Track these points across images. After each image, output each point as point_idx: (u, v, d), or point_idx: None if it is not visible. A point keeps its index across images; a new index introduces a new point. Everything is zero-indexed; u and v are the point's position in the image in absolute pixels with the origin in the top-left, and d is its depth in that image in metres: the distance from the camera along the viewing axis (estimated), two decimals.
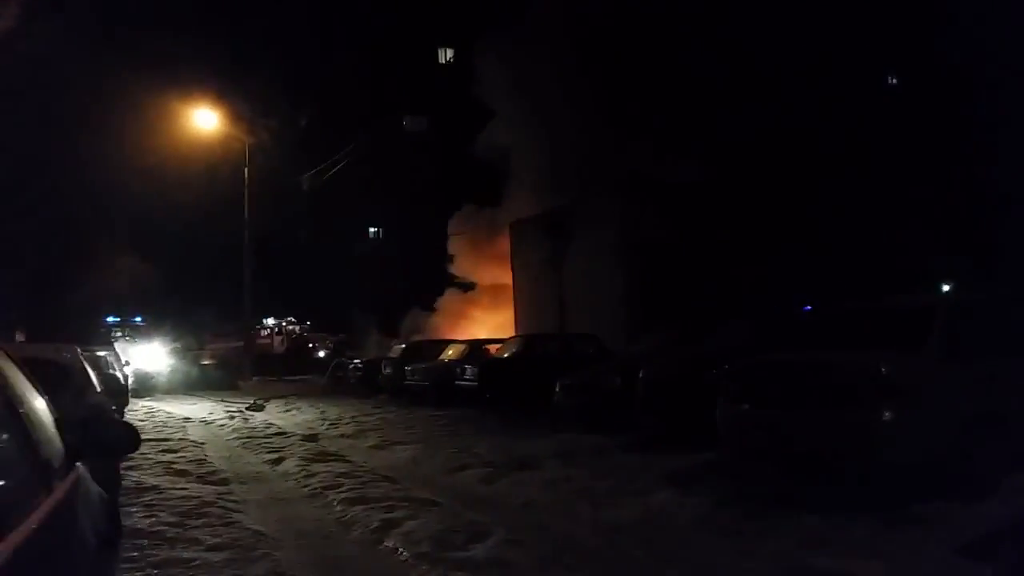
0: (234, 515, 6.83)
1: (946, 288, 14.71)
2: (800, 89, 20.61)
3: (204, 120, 29.50)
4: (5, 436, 1.96)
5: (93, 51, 30.94)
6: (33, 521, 1.71)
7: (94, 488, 3.17)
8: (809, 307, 9.83)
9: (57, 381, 5.60)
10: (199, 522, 6.49)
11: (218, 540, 5.81)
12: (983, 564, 4.36)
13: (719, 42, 20.55)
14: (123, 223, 34.64)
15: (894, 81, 29.49)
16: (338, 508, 6.99)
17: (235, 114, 30.37)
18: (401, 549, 5.46)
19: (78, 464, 2.96)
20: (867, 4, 20.89)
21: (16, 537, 1.53)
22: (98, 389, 6.68)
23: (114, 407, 7.78)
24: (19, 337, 26.06)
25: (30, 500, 1.86)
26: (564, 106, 23.45)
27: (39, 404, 2.62)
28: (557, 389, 11.99)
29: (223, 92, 30.28)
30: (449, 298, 28.84)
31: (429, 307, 29.88)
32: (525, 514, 6.57)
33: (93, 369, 15.06)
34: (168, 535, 5.98)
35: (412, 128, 43.10)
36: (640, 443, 9.11)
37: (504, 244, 25.16)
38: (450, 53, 43.85)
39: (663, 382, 8.83)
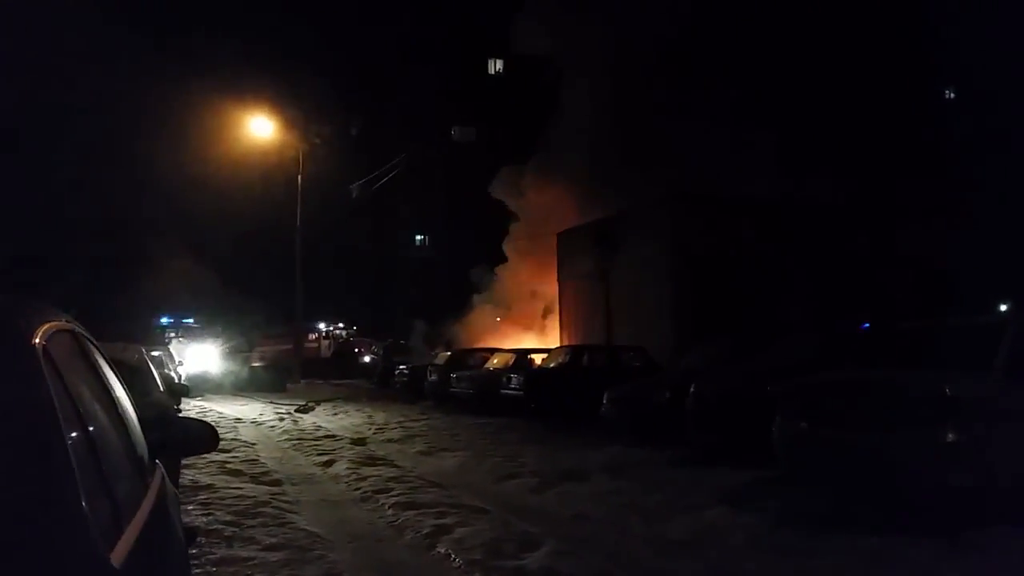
0: (288, 515, 6.95)
1: (1004, 307, 14.30)
2: (857, 101, 20.26)
3: (260, 127, 30.19)
4: (114, 435, 2.04)
5: (155, 56, 31.98)
6: (140, 518, 1.78)
7: (171, 486, 3.28)
8: (867, 324, 9.63)
9: (126, 380, 5.79)
10: (255, 521, 6.63)
11: (274, 540, 5.92)
12: None
13: (774, 59, 20.35)
14: (179, 226, 35.61)
15: (951, 95, 28.84)
16: (390, 512, 7.07)
17: (289, 121, 31.06)
18: (453, 555, 5.50)
19: (157, 462, 3.07)
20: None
21: (130, 534, 1.60)
22: (160, 388, 6.87)
23: (176, 405, 7.99)
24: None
25: (138, 498, 1.93)
26: (617, 115, 23.42)
27: (127, 402, 2.73)
28: (604, 401, 11.94)
29: (278, 99, 31.02)
30: (492, 307, 28.95)
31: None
32: (575, 526, 6.56)
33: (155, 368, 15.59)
34: (225, 534, 6.11)
35: (461, 138, 43.49)
36: (690, 458, 9.02)
37: (551, 254, 25.19)
38: (500, 64, 44.18)
39: (716, 397, 8.73)
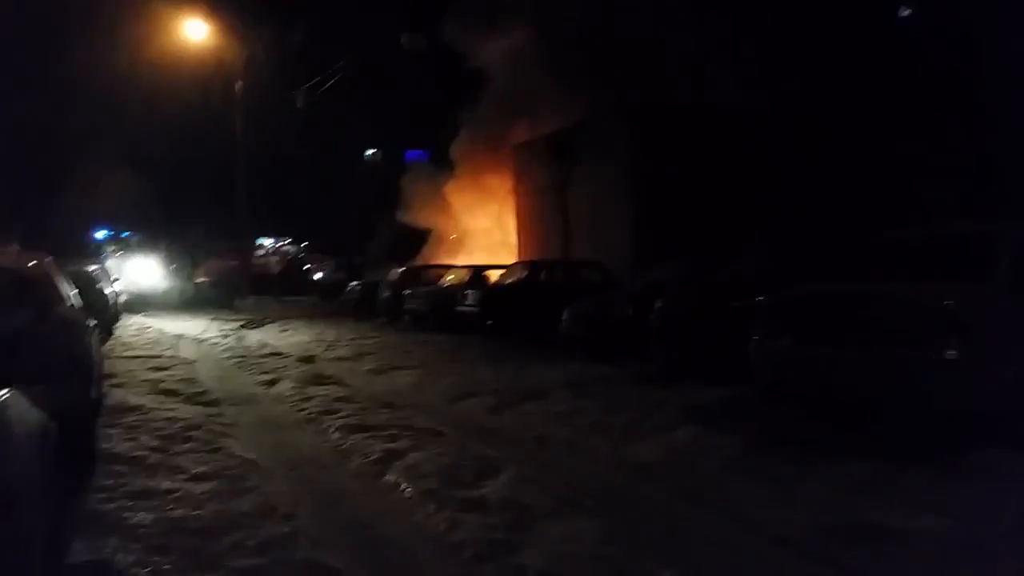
0: (223, 440, 6.35)
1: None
2: (818, 15, 19.41)
3: (196, 31, 28.13)
4: None
5: None
6: None
7: (29, 416, 2.62)
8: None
9: (17, 292, 5.00)
10: (184, 447, 6.01)
11: (203, 468, 5.32)
12: None
13: None
14: (115, 136, 33.53)
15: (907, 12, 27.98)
16: (335, 436, 6.51)
17: (228, 25, 29.00)
18: (404, 485, 4.98)
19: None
20: None
21: None
22: (69, 303, 6.07)
23: (95, 322, 7.20)
24: (14, 248, 25.41)
25: None
26: (573, 23, 22.23)
27: None
28: (564, 317, 11.47)
29: (216, 1, 28.85)
30: (442, 224, 28.07)
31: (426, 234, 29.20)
32: (537, 449, 6.10)
33: (74, 282, 14.56)
34: (149, 461, 5.49)
35: (411, 46, 41.47)
36: (655, 375, 8.62)
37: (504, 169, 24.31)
38: None
39: (682, 312, 8.28)
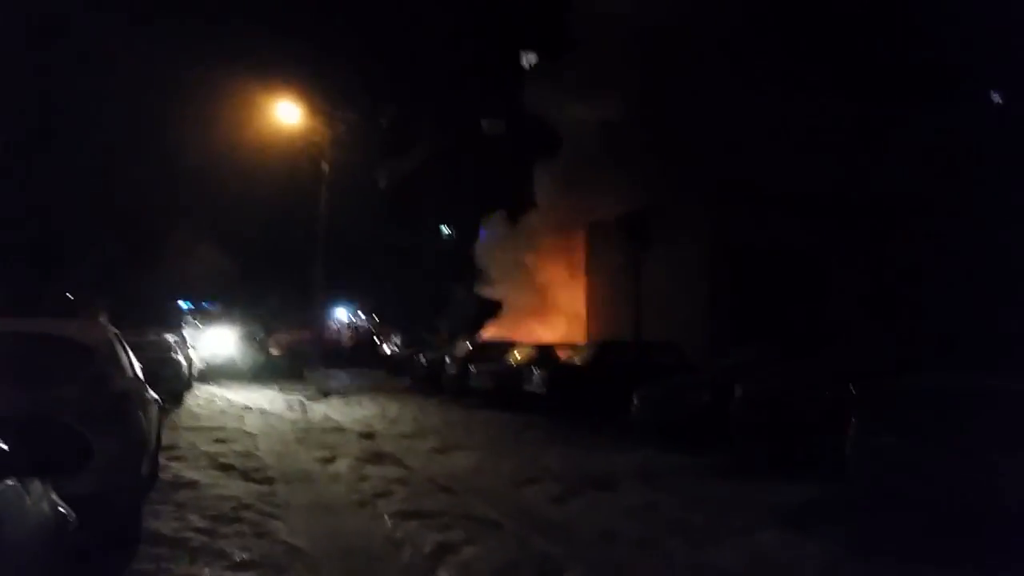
0: (272, 523, 6.02)
1: None
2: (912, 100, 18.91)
3: (286, 112, 29.37)
4: None
5: (181, 42, 31.42)
6: None
7: (37, 511, 2.34)
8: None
9: (75, 363, 4.88)
10: (230, 529, 5.70)
11: (246, 555, 4.99)
12: None
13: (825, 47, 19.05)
14: (203, 212, 35.04)
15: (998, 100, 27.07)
16: (388, 523, 6.10)
17: (316, 108, 30.23)
18: None
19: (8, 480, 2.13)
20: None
21: None
22: (129, 374, 5.94)
23: (154, 396, 7.06)
24: (102, 318, 26.46)
25: None
26: (650, 103, 22.24)
27: None
28: (635, 400, 10.90)
29: (305, 85, 30.20)
30: (516, 298, 27.88)
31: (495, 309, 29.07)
32: (605, 549, 5.54)
33: (151, 351, 14.77)
34: (192, 544, 5.19)
35: (490, 131, 42.48)
36: (734, 468, 7.96)
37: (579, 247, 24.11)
38: (533, 57, 43.04)
39: (767, 401, 7.67)
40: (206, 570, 4.65)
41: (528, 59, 43.86)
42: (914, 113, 18.90)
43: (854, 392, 7.11)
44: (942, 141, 17.37)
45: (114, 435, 4.75)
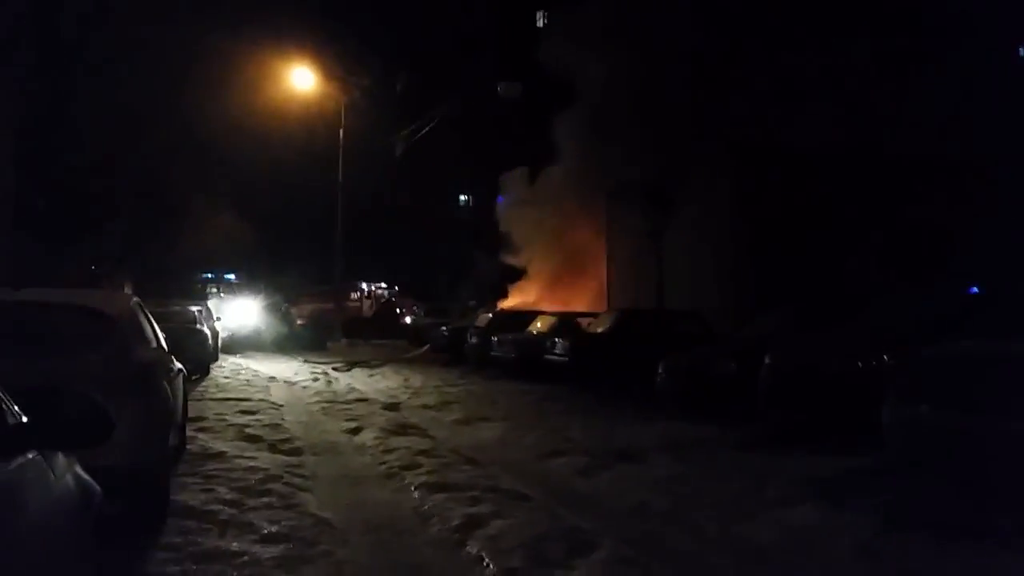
0: (300, 495, 6.02)
1: None
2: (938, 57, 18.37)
3: (301, 79, 29.14)
4: None
5: (193, 8, 31.17)
6: None
7: (61, 486, 2.28)
8: (975, 289, 8.28)
9: (97, 333, 4.84)
10: (259, 502, 5.70)
11: (275, 528, 4.97)
12: None
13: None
14: (220, 180, 35.02)
15: None
16: (415, 495, 6.08)
17: (331, 73, 29.96)
18: (487, 560, 4.47)
19: (28, 453, 2.07)
20: None
21: None
22: (154, 345, 5.91)
23: (180, 367, 7.05)
24: (127, 289, 26.66)
25: None
26: (669, 61, 21.76)
27: None
28: (660, 370, 10.78)
29: (320, 51, 29.92)
30: (540, 264, 27.68)
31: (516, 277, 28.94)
32: (636, 521, 5.48)
33: (176, 322, 14.85)
34: (221, 517, 5.19)
35: (507, 93, 41.88)
36: (763, 439, 7.85)
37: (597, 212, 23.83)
38: (548, 17, 42.35)
39: (796, 370, 7.53)
40: (235, 543, 4.63)
41: (544, 20, 43.18)
42: (938, 65, 18.38)
43: (887, 360, 6.98)
44: (968, 93, 16.91)
45: (139, 406, 4.73)
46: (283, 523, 5.11)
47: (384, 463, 7.37)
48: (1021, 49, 26.39)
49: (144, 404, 4.77)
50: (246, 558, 4.36)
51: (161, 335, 6.70)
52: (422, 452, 7.76)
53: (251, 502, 5.67)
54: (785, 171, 16.18)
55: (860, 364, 6.76)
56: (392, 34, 38.65)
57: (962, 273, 10.92)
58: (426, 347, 23.94)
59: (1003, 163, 15.23)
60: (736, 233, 16.75)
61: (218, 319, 22.92)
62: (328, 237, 30.49)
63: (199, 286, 33.41)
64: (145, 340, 5.64)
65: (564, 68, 25.42)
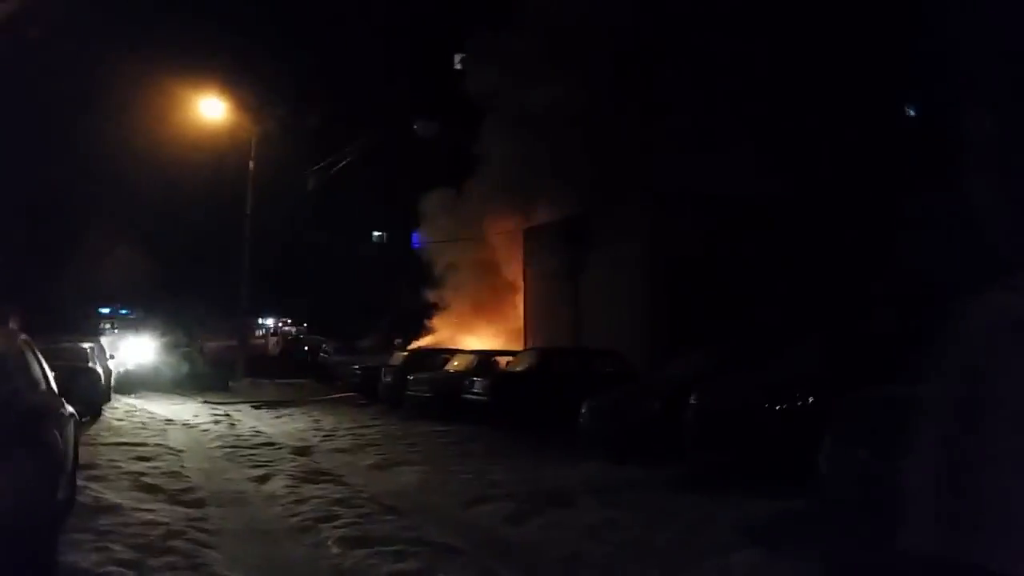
0: (205, 553, 5.48)
1: None
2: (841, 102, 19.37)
3: (209, 109, 28.15)
4: None
5: (96, 34, 29.80)
6: None
7: None
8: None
9: None
10: (160, 561, 5.15)
11: None
12: None
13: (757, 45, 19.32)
14: (120, 210, 33.31)
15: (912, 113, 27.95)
16: (334, 550, 5.63)
17: (242, 104, 29.10)
18: None
19: None
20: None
21: None
22: (43, 387, 5.31)
23: (71, 410, 6.40)
24: (12, 324, 24.71)
25: None
26: (583, 104, 22.13)
27: None
28: (583, 410, 10.65)
29: (231, 81, 29.05)
30: (455, 305, 27.42)
31: (431, 314, 28.53)
32: (571, 575, 5.21)
33: (66, 360, 13.76)
34: None
35: (424, 132, 41.83)
36: (690, 481, 7.76)
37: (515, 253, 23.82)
38: (466, 59, 42.66)
39: (724, 412, 7.49)
40: None
41: (460, 64, 43.49)
42: (845, 116, 19.32)
43: (811, 402, 7.03)
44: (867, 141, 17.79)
45: (25, 458, 4.18)
46: None
47: (297, 515, 6.86)
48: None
49: (30, 456, 4.21)
50: None
51: (51, 375, 6.06)
52: (338, 501, 7.29)
53: (151, 562, 5.12)
54: (701, 215, 16.55)
55: (786, 406, 6.77)
56: (307, 65, 38.04)
57: (870, 315, 11.28)
58: (338, 388, 23.19)
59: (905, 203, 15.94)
60: (652, 273, 16.96)
61: (111, 357, 21.53)
62: (235, 272, 29.31)
63: (92, 321, 31.48)
64: (33, 382, 5.05)
65: (485, 97, 25.48)
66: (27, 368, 4.97)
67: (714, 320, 14.57)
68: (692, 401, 7.97)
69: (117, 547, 5.42)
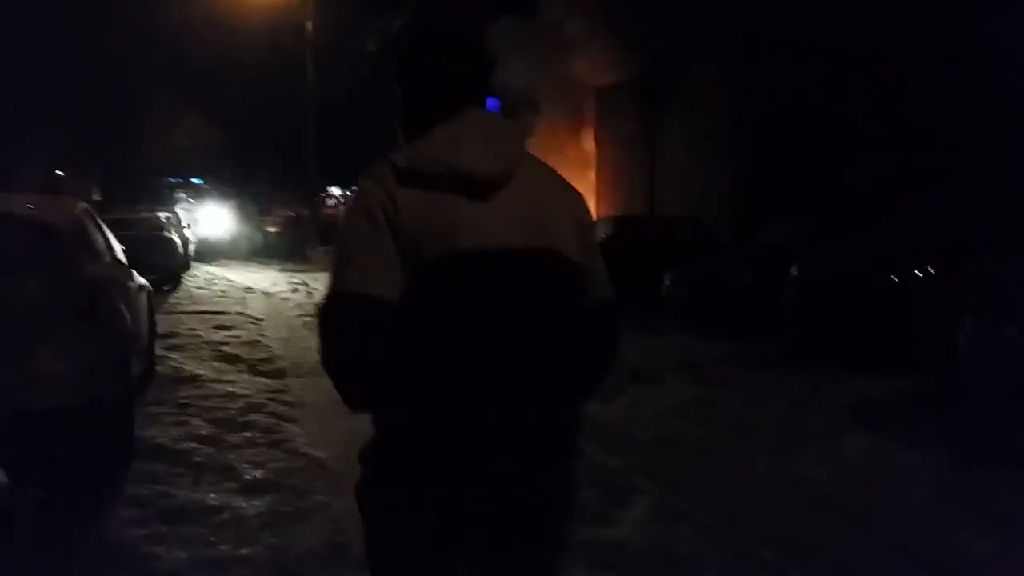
0: (286, 427, 5.35)
1: None
2: None
3: None
4: None
5: None
6: None
7: None
8: None
9: (32, 249, 3.97)
10: (239, 437, 5.02)
11: (260, 472, 4.30)
12: None
13: None
14: (183, 79, 32.97)
15: None
16: None
17: None
18: None
19: None
20: None
21: None
22: (106, 259, 5.05)
23: (142, 282, 6.22)
24: (95, 195, 25.21)
25: None
26: None
27: None
28: (666, 282, 10.10)
29: None
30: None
31: None
32: (666, 458, 4.86)
33: (144, 229, 13.86)
34: (195, 458, 4.49)
35: None
36: (787, 356, 7.24)
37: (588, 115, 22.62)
38: None
39: (832, 283, 6.84)
40: (212, 495, 3.95)
41: None
42: None
43: (931, 272, 6.33)
44: None
45: (88, 331, 3.95)
46: (269, 465, 4.44)
47: None
48: None
49: (94, 332, 3.97)
50: (226, 516, 3.68)
51: (118, 246, 5.83)
52: None
53: (231, 438, 5.00)
54: (790, 67, 15.11)
55: (906, 276, 6.10)
56: None
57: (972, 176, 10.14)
58: None
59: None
60: (737, 133, 15.81)
61: (187, 226, 21.85)
62: (300, 140, 29.00)
63: (167, 191, 31.94)
64: (94, 254, 4.77)
65: None
66: (87, 239, 4.68)
67: (803, 185, 13.54)
68: (794, 272, 7.32)
69: (196, 421, 5.33)
